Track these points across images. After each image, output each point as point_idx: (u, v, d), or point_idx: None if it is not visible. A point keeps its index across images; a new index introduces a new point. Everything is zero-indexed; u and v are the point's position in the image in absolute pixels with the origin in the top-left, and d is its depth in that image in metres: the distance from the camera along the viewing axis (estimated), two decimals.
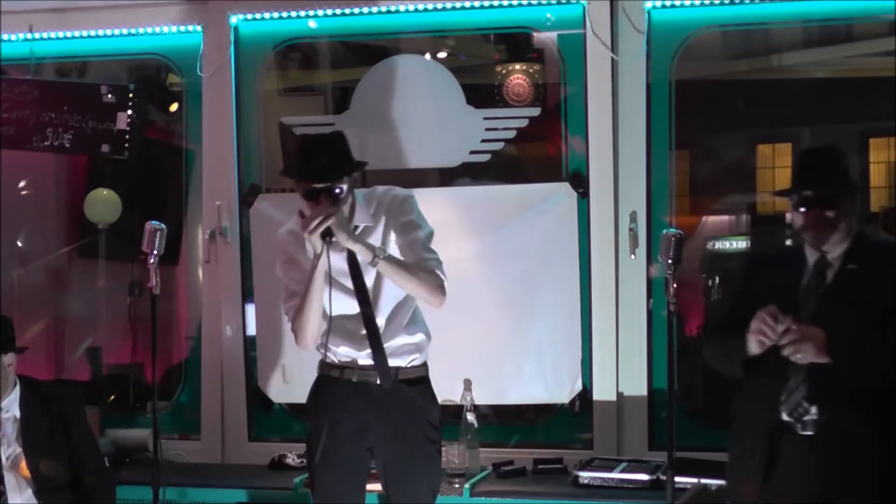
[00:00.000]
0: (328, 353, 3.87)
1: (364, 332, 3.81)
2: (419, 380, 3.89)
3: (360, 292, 3.78)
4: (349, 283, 3.79)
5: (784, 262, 3.65)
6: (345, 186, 3.73)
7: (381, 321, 3.82)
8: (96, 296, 6.06)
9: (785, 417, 3.45)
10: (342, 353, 3.85)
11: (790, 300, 3.49)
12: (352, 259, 3.77)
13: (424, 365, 3.93)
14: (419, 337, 3.89)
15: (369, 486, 4.00)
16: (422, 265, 3.78)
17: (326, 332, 3.81)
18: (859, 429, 3.37)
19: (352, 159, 3.83)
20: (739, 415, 3.64)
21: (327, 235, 3.64)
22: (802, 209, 3.49)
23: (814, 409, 3.41)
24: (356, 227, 3.80)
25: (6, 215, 5.49)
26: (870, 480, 3.36)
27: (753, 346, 3.40)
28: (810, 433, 3.41)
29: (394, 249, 3.81)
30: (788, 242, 5.34)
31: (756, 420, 3.53)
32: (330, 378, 3.88)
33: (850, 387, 3.36)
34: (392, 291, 3.82)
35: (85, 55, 5.51)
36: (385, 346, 3.81)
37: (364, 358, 3.83)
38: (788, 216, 6.71)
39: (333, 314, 3.80)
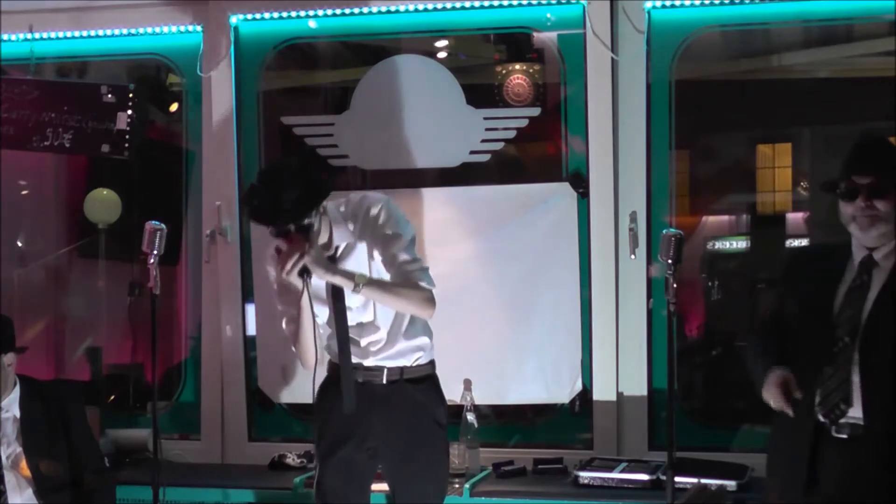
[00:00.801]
0: (333, 354, 3.88)
1: (363, 342, 3.82)
2: (425, 378, 3.89)
3: (340, 315, 3.76)
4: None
5: (826, 259, 3.54)
6: (314, 220, 3.63)
7: (382, 334, 3.82)
8: (96, 296, 6.06)
9: (821, 418, 3.39)
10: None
11: (828, 300, 3.43)
12: (335, 288, 3.74)
13: (431, 363, 3.92)
14: (421, 340, 3.89)
15: (375, 487, 4.00)
16: (407, 280, 3.72)
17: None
18: None
19: (317, 190, 3.65)
20: (780, 415, 3.47)
21: (304, 273, 3.61)
22: (850, 198, 3.37)
23: (851, 412, 3.35)
24: (336, 247, 3.77)
25: (6, 215, 5.49)
26: None
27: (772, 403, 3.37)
28: (845, 436, 3.35)
29: (378, 263, 3.77)
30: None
31: (795, 421, 3.42)
32: (336, 378, 3.88)
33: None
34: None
35: (85, 55, 5.51)
36: (390, 351, 3.82)
37: (368, 360, 3.84)
38: (788, 216, 6.74)
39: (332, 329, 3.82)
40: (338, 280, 3.67)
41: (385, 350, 3.83)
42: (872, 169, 3.37)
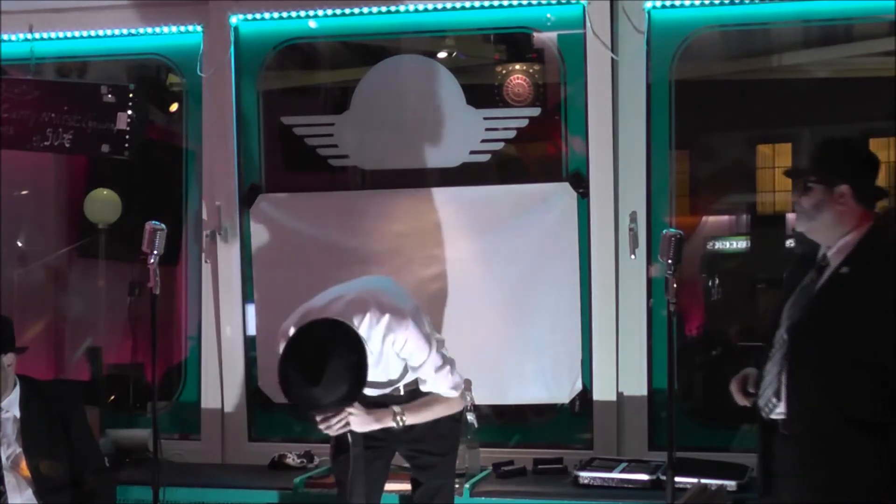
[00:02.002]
0: None
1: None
2: None
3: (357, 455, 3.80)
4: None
5: (805, 257, 3.63)
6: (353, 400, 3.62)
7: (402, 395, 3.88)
8: (96, 296, 6.06)
9: (762, 409, 3.52)
10: None
11: (792, 289, 3.53)
12: None
13: None
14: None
15: (390, 486, 4.03)
16: (436, 395, 3.82)
17: None
18: (829, 427, 3.34)
19: (360, 383, 3.56)
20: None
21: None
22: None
23: (781, 406, 3.44)
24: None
25: (6, 215, 5.49)
26: (838, 478, 3.33)
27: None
28: (787, 432, 3.44)
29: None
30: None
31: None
32: None
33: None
34: (401, 383, 3.87)
35: (85, 55, 5.51)
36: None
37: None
38: (788, 216, 6.75)
39: None
40: (379, 426, 3.74)
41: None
42: (808, 167, 3.54)
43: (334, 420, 3.65)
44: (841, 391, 3.31)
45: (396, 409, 3.76)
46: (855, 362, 3.30)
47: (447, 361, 3.84)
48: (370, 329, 3.65)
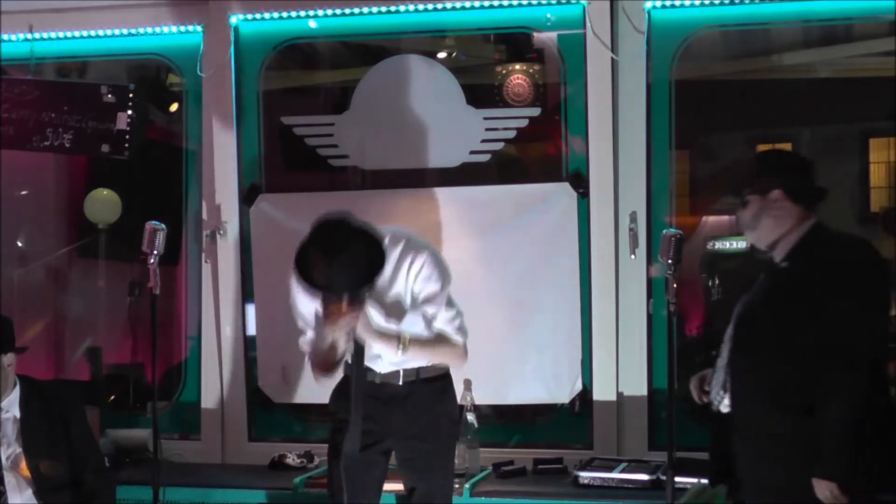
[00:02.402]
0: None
1: (385, 355, 3.81)
2: (440, 377, 3.91)
3: (359, 355, 3.76)
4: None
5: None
6: (364, 294, 3.59)
7: (402, 353, 3.82)
8: (96, 296, 6.06)
9: (712, 403, 3.64)
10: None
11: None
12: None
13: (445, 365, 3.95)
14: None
15: (387, 486, 4.01)
16: (442, 336, 3.81)
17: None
18: (764, 412, 3.46)
19: (376, 265, 3.58)
20: None
21: (351, 334, 3.66)
22: None
23: (727, 399, 3.57)
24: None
25: (6, 215, 5.49)
26: (773, 459, 3.44)
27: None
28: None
29: (412, 309, 3.79)
30: None
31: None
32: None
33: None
34: (411, 325, 3.82)
35: (85, 55, 5.51)
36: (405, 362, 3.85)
37: (386, 368, 3.85)
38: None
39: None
40: (383, 343, 3.72)
41: (404, 363, 3.84)
42: (744, 183, 3.66)
43: (341, 318, 3.56)
44: (774, 377, 3.44)
45: (403, 334, 3.72)
46: (788, 349, 3.42)
47: (457, 307, 3.84)
48: (389, 251, 3.66)
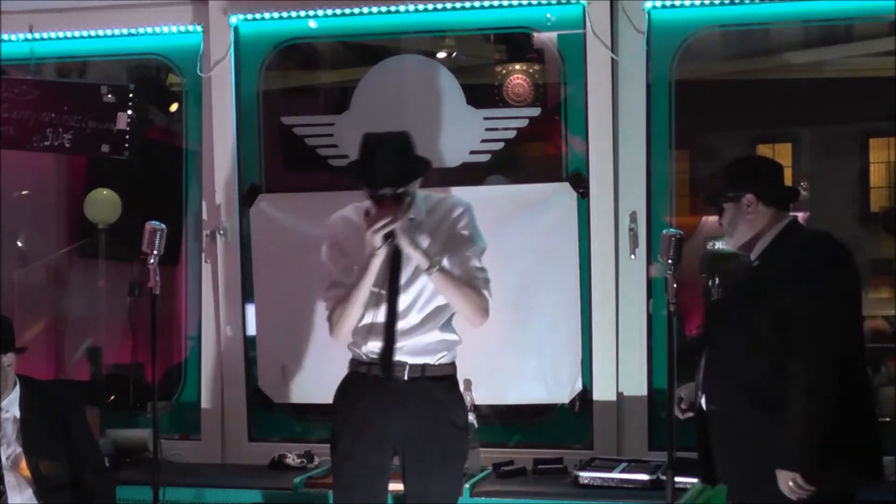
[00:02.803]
0: (357, 349, 3.89)
1: (399, 324, 3.81)
2: (445, 378, 3.90)
3: (393, 294, 3.79)
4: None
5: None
6: (412, 189, 3.77)
7: (418, 317, 3.84)
8: (96, 296, 6.06)
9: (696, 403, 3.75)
10: (371, 347, 3.84)
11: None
12: (395, 260, 3.78)
13: (453, 364, 3.94)
14: (453, 337, 3.92)
15: (391, 486, 3.98)
16: (472, 282, 3.82)
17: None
18: (736, 406, 3.58)
19: (419, 161, 3.84)
20: None
21: (389, 238, 3.68)
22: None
23: (704, 398, 3.68)
24: (410, 219, 3.81)
25: (6, 215, 5.49)
26: (747, 452, 3.54)
27: None
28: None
29: (446, 262, 3.82)
30: None
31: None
32: (358, 375, 3.89)
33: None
34: (434, 293, 3.84)
35: (85, 55, 5.51)
36: (416, 340, 3.83)
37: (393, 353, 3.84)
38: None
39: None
40: (418, 255, 3.73)
41: (414, 336, 3.83)
42: (719, 191, 3.79)
43: (382, 220, 3.65)
44: (745, 372, 3.55)
45: (436, 258, 3.75)
46: (759, 345, 3.52)
47: (487, 270, 3.89)
48: (429, 199, 3.90)
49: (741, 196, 3.69)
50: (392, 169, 3.72)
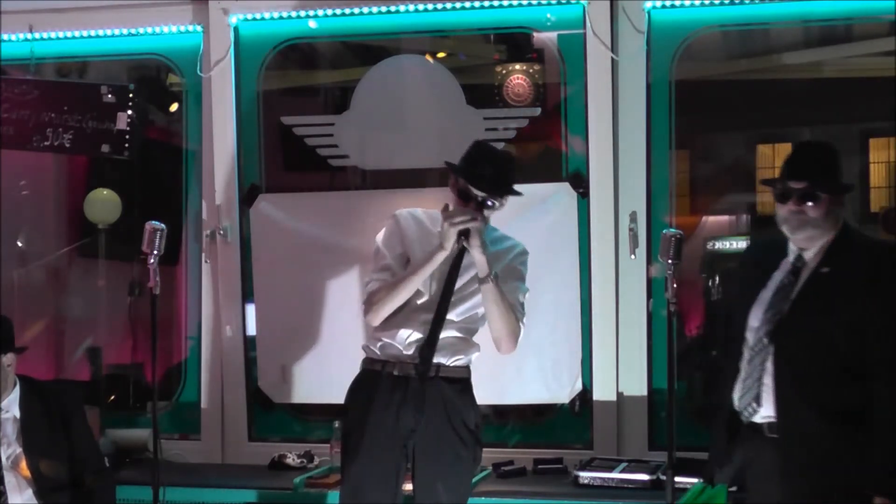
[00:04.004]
0: (372, 347, 3.90)
1: (425, 316, 3.84)
2: (459, 380, 3.91)
3: (448, 291, 3.85)
4: (439, 276, 3.86)
5: (766, 255, 3.65)
6: (499, 204, 3.87)
7: (451, 315, 3.87)
8: (96, 296, 6.06)
9: (741, 413, 3.53)
10: (390, 341, 3.86)
11: (752, 299, 3.55)
12: (456, 263, 3.84)
13: (467, 368, 3.95)
14: (471, 341, 3.95)
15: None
16: (514, 309, 3.89)
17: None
18: (817, 426, 3.36)
19: (514, 184, 3.93)
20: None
21: (464, 235, 3.73)
22: (783, 200, 3.48)
23: (763, 411, 3.46)
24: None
25: (6, 215, 5.49)
26: (826, 476, 3.35)
27: None
28: (775, 435, 3.44)
29: None
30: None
31: (719, 417, 3.65)
32: (372, 373, 3.90)
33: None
34: (477, 303, 3.89)
35: (85, 55, 5.51)
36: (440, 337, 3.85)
37: (407, 349, 3.84)
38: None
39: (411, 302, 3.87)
40: (483, 260, 3.78)
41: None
42: (806, 174, 3.46)
43: (464, 215, 3.74)
44: (828, 391, 3.35)
45: (496, 271, 3.83)
46: (837, 360, 3.35)
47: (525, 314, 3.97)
48: (496, 231, 4.02)
49: (839, 189, 3.48)
50: (498, 177, 3.85)
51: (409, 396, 3.82)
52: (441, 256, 3.78)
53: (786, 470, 3.41)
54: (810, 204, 3.44)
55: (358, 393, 3.92)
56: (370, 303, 3.89)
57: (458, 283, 3.86)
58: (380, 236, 3.99)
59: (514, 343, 3.91)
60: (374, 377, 3.88)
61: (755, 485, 3.56)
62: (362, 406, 3.87)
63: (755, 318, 3.53)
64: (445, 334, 3.86)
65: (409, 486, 3.98)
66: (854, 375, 3.32)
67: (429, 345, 3.82)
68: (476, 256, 3.77)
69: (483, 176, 3.83)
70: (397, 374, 3.84)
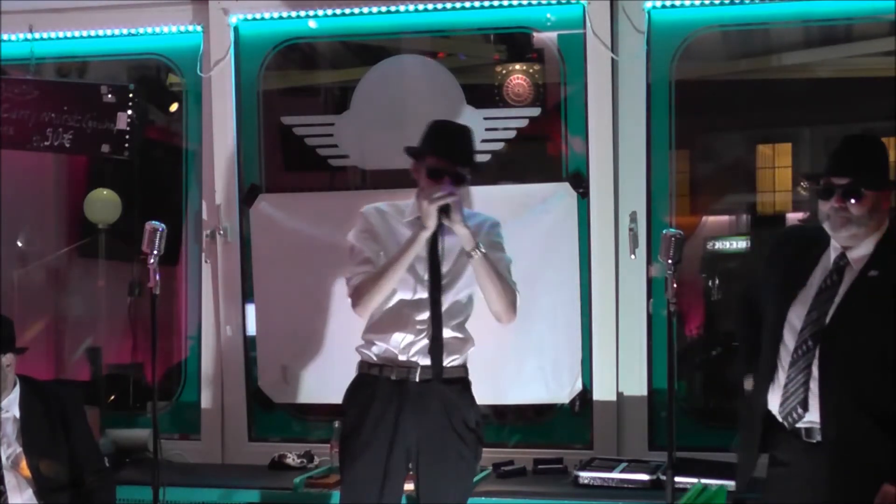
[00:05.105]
0: (366, 351, 3.90)
1: (418, 317, 3.83)
2: (458, 380, 3.90)
3: (436, 278, 3.84)
4: (420, 270, 3.85)
5: (804, 249, 3.49)
6: (468, 176, 3.87)
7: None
8: (96, 296, 6.06)
9: (780, 419, 3.40)
10: (384, 345, 3.85)
11: (797, 286, 3.40)
12: (433, 245, 3.84)
13: (464, 366, 3.94)
14: (465, 337, 3.93)
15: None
16: (507, 274, 3.90)
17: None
18: (864, 433, 3.26)
19: (476, 154, 4.00)
20: (741, 413, 3.65)
21: (444, 212, 3.73)
22: (825, 197, 3.34)
23: (807, 416, 3.34)
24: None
25: (6, 215, 5.49)
26: (873, 488, 3.24)
27: None
28: (814, 440, 3.34)
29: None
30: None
31: (752, 420, 3.50)
32: (369, 377, 3.89)
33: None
34: (462, 289, 3.89)
35: (85, 55, 5.51)
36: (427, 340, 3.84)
37: (403, 354, 3.84)
38: (788, 216, 6.74)
39: (396, 297, 3.86)
40: (466, 233, 3.78)
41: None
42: (850, 171, 3.34)
43: (442, 191, 3.73)
44: (875, 396, 3.25)
45: (481, 243, 3.82)
46: (886, 366, 3.24)
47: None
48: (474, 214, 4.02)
49: (885, 188, 3.33)
50: (462, 148, 3.87)
51: (409, 400, 3.82)
52: (424, 236, 3.78)
53: (831, 476, 3.29)
54: (853, 201, 3.29)
55: (356, 397, 3.91)
56: (358, 295, 3.87)
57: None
58: (351, 234, 3.99)
59: (514, 311, 3.91)
60: (372, 381, 3.87)
61: (790, 490, 3.41)
62: (361, 411, 3.86)
63: (797, 318, 3.38)
64: (444, 332, 3.85)
65: (409, 487, 3.98)
66: None
67: (435, 345, 3.81)
68: (459, 231, 3.78)
69: (454, 148, 3.86)
70: (395, 379, 3.84)
